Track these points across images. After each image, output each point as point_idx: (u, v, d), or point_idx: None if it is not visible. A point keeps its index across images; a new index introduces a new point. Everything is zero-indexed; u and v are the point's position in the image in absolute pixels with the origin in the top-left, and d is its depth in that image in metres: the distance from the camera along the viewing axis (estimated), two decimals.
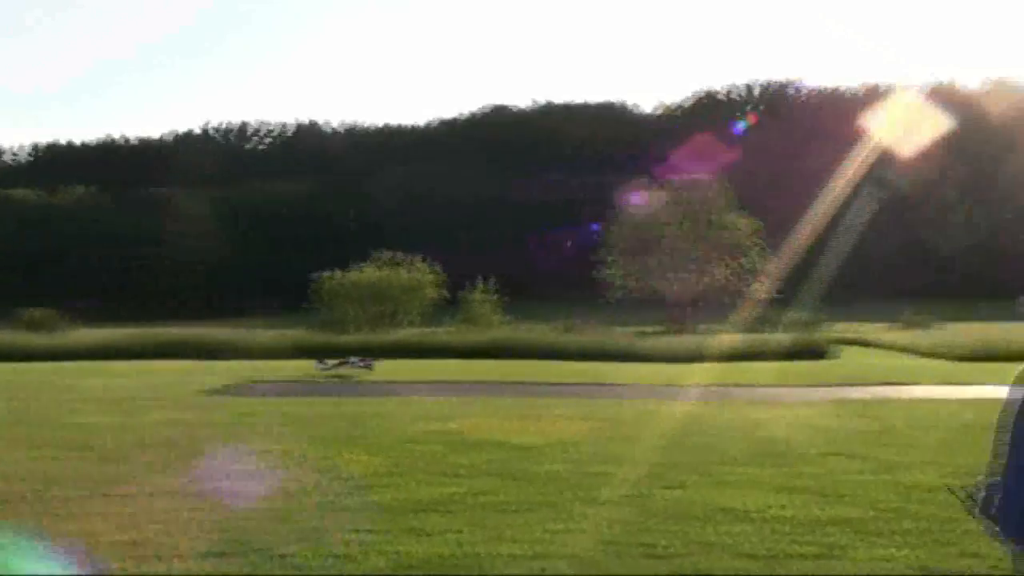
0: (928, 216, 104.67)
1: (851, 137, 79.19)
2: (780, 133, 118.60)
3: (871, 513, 8.88)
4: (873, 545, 7.77)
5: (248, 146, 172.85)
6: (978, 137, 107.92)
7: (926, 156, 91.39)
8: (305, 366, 29.97)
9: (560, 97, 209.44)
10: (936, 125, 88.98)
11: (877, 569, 7.10)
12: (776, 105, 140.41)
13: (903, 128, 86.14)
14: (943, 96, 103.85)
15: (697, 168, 78.35)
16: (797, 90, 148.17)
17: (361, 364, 29.23)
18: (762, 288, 65.51)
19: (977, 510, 2.83)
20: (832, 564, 7.27)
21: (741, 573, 7.06)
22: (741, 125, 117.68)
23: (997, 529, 2.73)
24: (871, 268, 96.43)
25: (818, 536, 8.06)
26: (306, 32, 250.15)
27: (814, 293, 67.55)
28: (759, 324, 52.06)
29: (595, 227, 74.92)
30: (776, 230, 70.24)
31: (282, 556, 7.50)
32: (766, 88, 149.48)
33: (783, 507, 9.17)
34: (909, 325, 61.22)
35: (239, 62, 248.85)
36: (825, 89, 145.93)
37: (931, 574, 7.00)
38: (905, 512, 8.78)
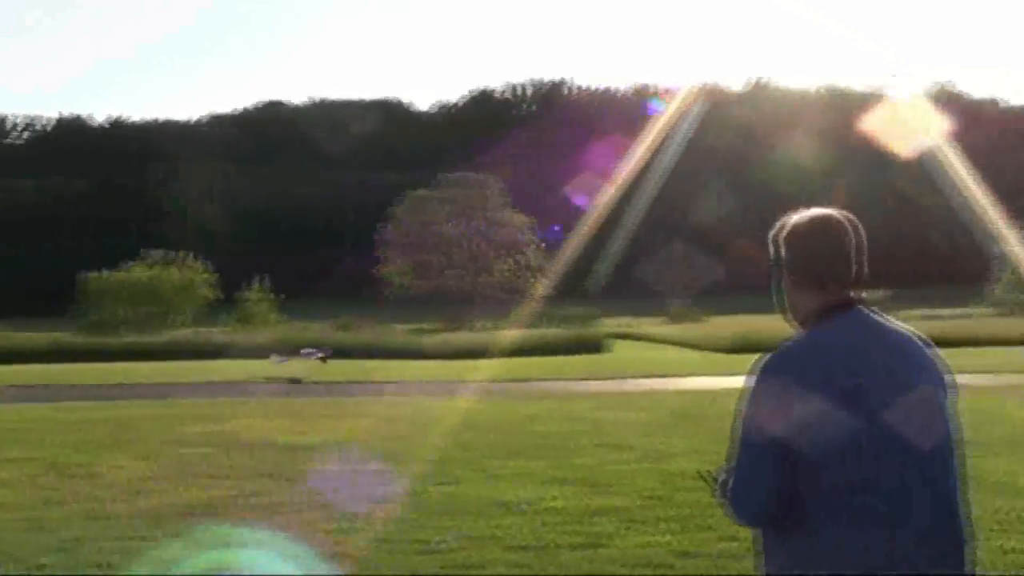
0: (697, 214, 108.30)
1: (625, 136, 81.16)
2: (554, 131, 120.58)
3: (637, 502, 9.14)
4: (638, 532, 8.00)
5: (7, 140, 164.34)
6: (737, 138, 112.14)
7: (691, 154, 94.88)
8: (80, 369, 28.80)
9: (336, 94, 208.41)
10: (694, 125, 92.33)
11: (640, 555, 7.31)
12: (550, 103, 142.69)
13: (675, 126, 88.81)
14: (711, 96, 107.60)
15: (474, 165, 78.92)
16: (570, 89, 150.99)
17: (317, 356, 28.43)
18: (540, 284, 66.55)
19: (719, 494, 2.94)
20: (599, 552, 7.44)
21: (512, 565, 7.15)
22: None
23: (732, 511, 2.85)
24: (644, 263, 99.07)
25: (586, 526, 8.24)
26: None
27: (590, 288, 69.17)
28: (537, 320, 52.87)
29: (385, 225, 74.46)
30: (552, 226, 71.59)
31: (40, 566, 7.20)
32: (539, 87, 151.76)
33: (554, 499, 9.34)
34: (678, 319, 63.22)
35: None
36: (598, 88, 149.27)
37: (692, 555, 7.26)
38: (669, 500, 9.07)
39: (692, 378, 23.92)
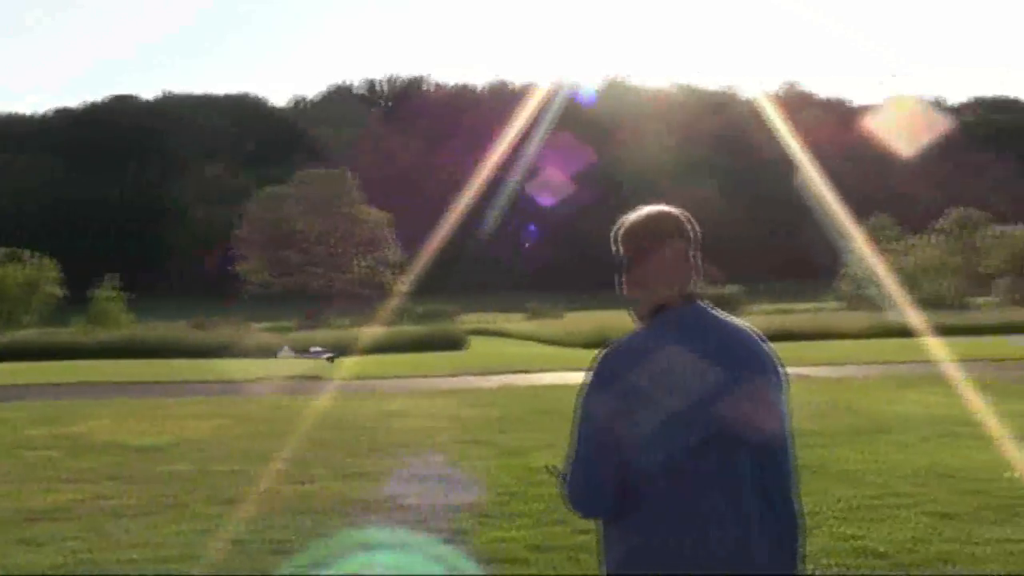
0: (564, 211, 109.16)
1: (482, 133, 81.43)
2: (412, 127, 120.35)
3: (493, 497, 9.19)
4: (493, 528, 8.04)
5: None
6: (592, 136, 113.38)
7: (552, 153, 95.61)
8: None
9: (190, 88, 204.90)
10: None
11: (495, 550, 7.36)
12: (408, 99, 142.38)
13: (535, 125, 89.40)
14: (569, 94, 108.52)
15: (332, 161, 78.20)
16: (428, 85, 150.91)
17: (324, 356, 28.23)
18: (399, 281, 66.37)
19: (559, 487, 2.99)
20: (455, 548, 7.47)
21: (366, 564, 7.13)
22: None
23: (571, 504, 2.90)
24: (502, 261, 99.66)
25: (443, 522, 8.26)
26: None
27: (449, 285, 69.19)
28: (398, 317, 52.75)
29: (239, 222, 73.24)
30: (411, 223, 71.44)
31: None
32: (396, 83, 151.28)
33: (410, 496, 9.34)
34: (535, 315, 63.71)
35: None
36: (455, 85, 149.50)
37: (546, 549, 7.33)
38: (524, 495, 9.14)
39: (549, 373, 24.13)
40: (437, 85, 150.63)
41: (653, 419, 2.70)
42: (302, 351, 28.93)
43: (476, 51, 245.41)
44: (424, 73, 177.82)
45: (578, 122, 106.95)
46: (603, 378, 2.79)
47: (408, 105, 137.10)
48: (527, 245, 70.35)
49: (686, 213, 3.00)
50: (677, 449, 2.71)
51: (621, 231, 3.00)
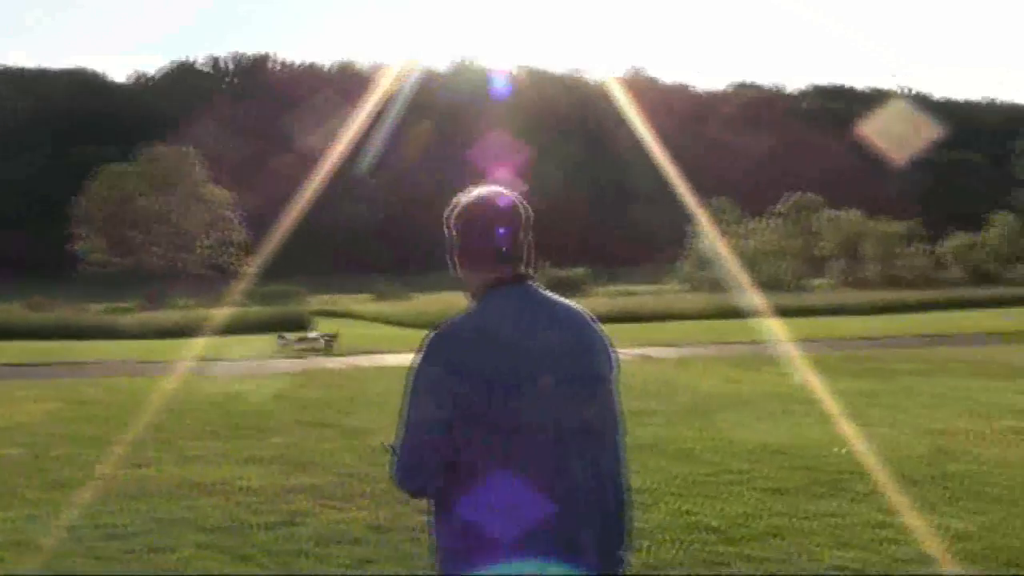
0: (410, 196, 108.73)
1: (330, 114, 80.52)
2: (258, 106, 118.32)
3: (334, 479, 9.14)
4: (334, 509, 8.00)
5: None
6: (441, 118, 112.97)
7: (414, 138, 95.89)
8: None
9: (25, 62, 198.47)
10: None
11: (335, 532, 7.32)
12: (254, 77, 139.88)
13: (385, 105, 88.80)
14: (420, 75, 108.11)
15: (174, 139, 76.28)
16: (274, 63, 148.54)
17: (323, 339, 27.94)
18: (244, 261, 65.27)
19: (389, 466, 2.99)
20: (294, 530, 7.40)
21: (203, 546, 7.02)
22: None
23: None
24: (350, 242, 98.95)
25: (281, 504, 8.18)
26: None
27: (294, 266, 68.35)
28: (242, 297, 51.94)
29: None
30: (259, 203, 70.28)
31: None
32: (241, 61, 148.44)
33: (250, 478, 9.22)
34: (383, 296, 63.45)
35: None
36: (302, 64, 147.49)
37: (386, 530, 7.34)
38: (366, 476, 9.11)
39: (396, 354, 24.08)
40: (283, 63, 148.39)
41: (482, 398, 2.73)
42: (299, 339, 28.58)
43: (322, 31, 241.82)
44: (270, 51, 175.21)
45: (425, 106, 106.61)
46: (432, 357, 2.81)
47: (254, 83, 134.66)
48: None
49: (517, 195, 3.03)
50: (506, 427, 2.74)
51: (453, 213, 3.01)
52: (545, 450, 2.77)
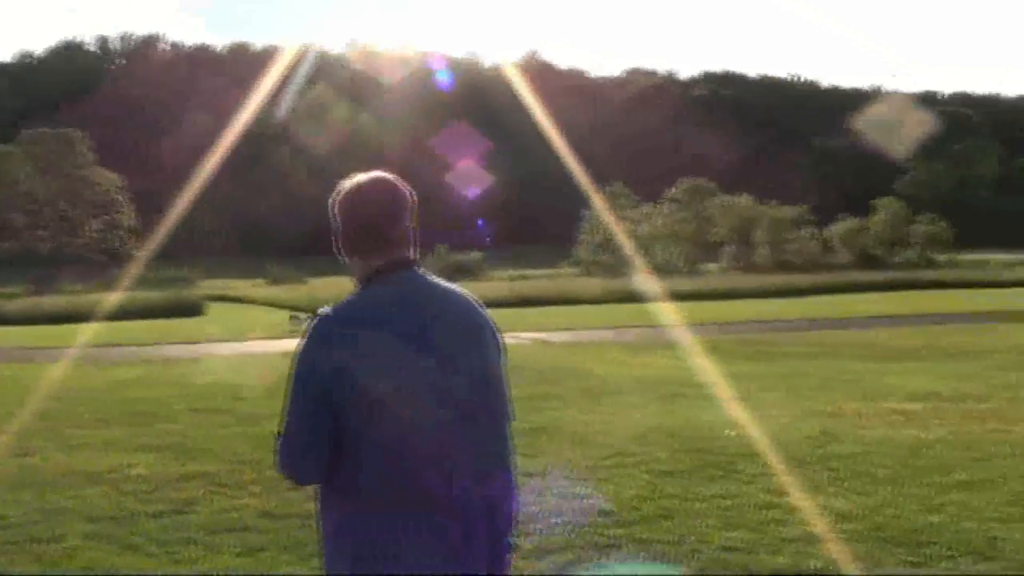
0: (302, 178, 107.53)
1: (223, 95, 79.39)
2: (147, 88, 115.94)
3: (226, 466, 9.03)
4: (225, 497, 7.91)
5: None
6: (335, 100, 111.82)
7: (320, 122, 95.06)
8: None
9: None
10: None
11: (226, 519, 7.24)
12: (143, 58, 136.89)
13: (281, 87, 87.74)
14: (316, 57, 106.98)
15: (60, 121, 74.38)
16: (163, 44, 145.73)
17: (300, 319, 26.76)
18: (135, 245, 64.00)
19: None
20: (183, 519, 7.30)
21: (90, 536, 6.90)
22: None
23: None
24: (245, 225, 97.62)
25: (171, 492, 8.07)
26: None
27: (188, 250, 67.29)
28: (135, 282, 50.93)
29: None
30: (149, 186, 69.05)
31: None
32: (129, 41, 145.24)
33: (139, 466, 9.08)
34: (277, 281, 62.69)
35: None
36: (192, 45, 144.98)
37: (277, 517, 7.28)
38: (259, 463, 9.01)
39: (290, 339, 23.84)
40: (173, 44, 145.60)
41: (367, 383, 2.72)
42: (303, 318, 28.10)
43: (214, 12, 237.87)
44: (159, 31, 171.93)
45: (326, 88, 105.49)
46: (317, 342, 2.80)
47: (144, 65, 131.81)
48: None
49: (402, 180, 3.02)
50: (391, 413, 2.73)
51: (337, 199, 2.99)
52: (431, 435, 2.78)
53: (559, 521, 7.06)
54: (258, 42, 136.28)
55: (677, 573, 6.10)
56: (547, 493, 7.82)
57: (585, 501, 7.66)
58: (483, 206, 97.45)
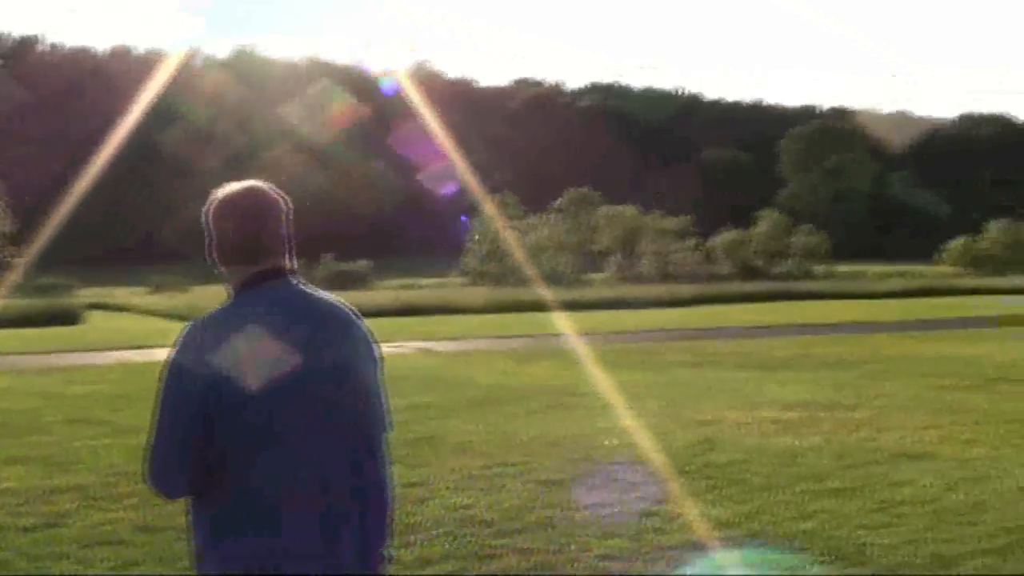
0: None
1: (106, 100, 77.77)
2: (26, 91, 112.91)
3: (101, 479, 8.83)
4: (99, 509, 7.74)
5: None
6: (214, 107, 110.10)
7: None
8: None
9: None
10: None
11: (100, 533, 7.08)
12: (20, 60, 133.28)
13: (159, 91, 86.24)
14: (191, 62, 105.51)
15: None
16: (43, 46, 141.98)
17: None
18: (13, 252, 62.27)
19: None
20: (55, 532, 7.13)
21: None
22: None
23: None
24: (127, 231, 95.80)
25: (43, 506, 7.87)
26: None
27: (65, 257, 65.62)
28: (10, 290, 49.54)
29: None
30: (28, 192, 67.20)
31: None
32: (6, 41, 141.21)
33: (9, 479, 8.84)
34: (160, 288, 61.59)
35: None
36: (73, 47, 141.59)
37: (153, 530, 7.14)
38: (135, 475, 8.79)
39: (166, 349, 23.42)
40: (53, 46, 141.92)
41: (237, 391, 2.68)
42: None
43: (95, 14, 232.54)
44: (37, 33, 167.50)
45: (202, 93, 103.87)
46: (182, 351, 2.77)
47: (22, 66, 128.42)
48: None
49: (276, 188, 2.99)
50: (258, 424, 2.70)
51: (210, 208, 2.96)
52: (301, 447, 2.75)
53: (440, 532, 7.06)
54: (142, 46, 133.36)
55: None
56: (429, 503, 7.81)
57: (467, 511, 7.67)
58: (376, 217, 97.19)
